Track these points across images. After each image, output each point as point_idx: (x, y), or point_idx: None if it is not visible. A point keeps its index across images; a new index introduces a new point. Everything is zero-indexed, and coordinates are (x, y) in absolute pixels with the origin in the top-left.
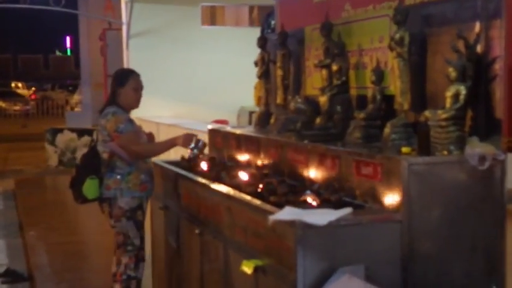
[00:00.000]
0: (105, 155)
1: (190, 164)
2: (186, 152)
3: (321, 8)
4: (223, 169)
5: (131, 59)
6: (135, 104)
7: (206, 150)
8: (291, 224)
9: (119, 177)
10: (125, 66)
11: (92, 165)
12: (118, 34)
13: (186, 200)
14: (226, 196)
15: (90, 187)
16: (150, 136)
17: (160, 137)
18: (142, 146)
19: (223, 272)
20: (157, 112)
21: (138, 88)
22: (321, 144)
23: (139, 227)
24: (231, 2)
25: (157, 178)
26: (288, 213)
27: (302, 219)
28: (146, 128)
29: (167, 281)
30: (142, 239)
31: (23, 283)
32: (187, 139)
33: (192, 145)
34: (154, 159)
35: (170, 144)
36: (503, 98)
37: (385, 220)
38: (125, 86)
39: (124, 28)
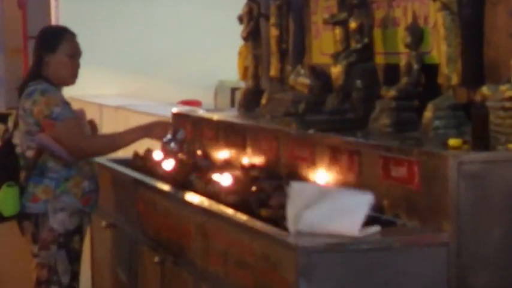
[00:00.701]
0: (29, 153)
1: (146, 163)
2: (142, 146)
3: None
4: (194, 170)
5: (62, 14)
6: (71, 77)
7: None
8: (289, 247)
9: (51, 184)
10: (54, 22)
11: (7, 167)
12: None
13: (142, 216)
14: (199, 209)
15: (7, 198)
16: (92, 124)
17: (105, 124)
18: (92, 139)
19: None
20: (99, 90)
21: (75, 54)
22: (334, 134)
23: (74, 258)
24: None
25: (102, 184)
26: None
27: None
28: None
29: None
30: (74, 275)
31: None
32: (161, 128)
33: (169, 136)
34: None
35: (136, 136)
36: None
37: (425, 243)
38: (55, 51)
39: None
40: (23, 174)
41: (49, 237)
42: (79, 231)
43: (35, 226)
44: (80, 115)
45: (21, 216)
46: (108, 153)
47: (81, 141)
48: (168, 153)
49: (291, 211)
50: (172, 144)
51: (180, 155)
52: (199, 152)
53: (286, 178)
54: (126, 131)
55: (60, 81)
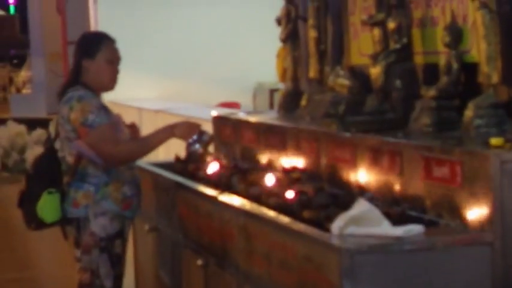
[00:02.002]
0: (69, 159)
1: (187, 166)
2: (182, 148)
3: None
4: (235, 173)
5: (101, 19)
6: (110, 83)
7: (211, 147)
8: (333, 248)
9: (91, 189)
10: (92, 28)
11: (49, 173)
12: None
13: (184, 219)
14: (241, 211)
15: (48, 205)
16: (133, 129)
17: (144, 128)
18: (122, 145)
19: None
20: (139, 94)
21: (114, 60)
22: (374, 135)
23: (116, 262)
24: None
25: (144, 188)
26: (350, 219)
27: (380, 232)
28: (125, 117)
29: None
30: (117, 279)
31: None
32: (188, 129)
33: (194, 137)
34: (140, 161)
35: (163, 136)
36: None
37: (469, 242)
38: (95, 57)
39: None
40: (65, 179)
41: (91, 241)
42: (120, 235)
43: (77, 231)
44: (116, 120)
45: (64, 221)
46: (139, 157)
47: (111, 147)
48: (191, 155)
49: (343, 217)
50: (197, 146)
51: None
52: (239, 155)
53: (327, 180)
54: (154, 132)
55: (99, 87)
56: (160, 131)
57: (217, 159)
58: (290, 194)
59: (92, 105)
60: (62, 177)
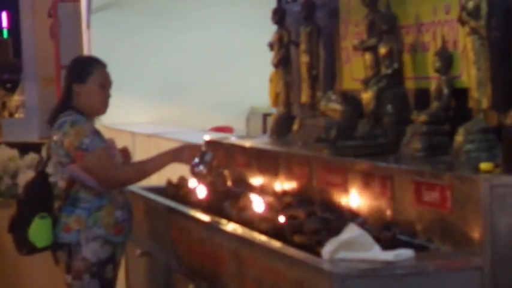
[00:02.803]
0: (61, 183)
1: (180, 190)
2: (175, 173)
3: None
4: (227, 197)
5: (94, 43)
6: (102, 107)
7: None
8: (324, 273)
9: (83, 214)
10: (86, 52)
11: (41, 197)
12: (75, 8)
13: (176, 243)
14: (232, 236)
15: (39, 230)
16: (125, 153)
17: (137, 152)
18: (122, 168)
19: None
20: (132, 118)
21: (106, 84)
22: (366, 159)
23: (107, 287)
24: None
25: (136, 212)
26: (341, 244)
27: (371, 257)
28: (119, 141)
29: None
30: None
31: None
32: (191, 152)
33: (197, 159)
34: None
35: (164, 160)
36: None
37: (459, 267)
38: (86, 81)
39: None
40: (56, 204)
41: (82, 266)
42: (112, 260)
43: (68, 256)
44: (109, 144)
45: (55, 246)
46: (138, 180)
47: (110, 171)
48: (197, 176)
49: (333, 242)
50: (201, 167)
51: (213, 182)
52: (232, 179)
53: (319, 204)
54: (155, 156)
55: (91, 112)
56: (161, 156)
57: (205, 179)
58: (282, 219)
59: (86, 130)
60: (54, 202)
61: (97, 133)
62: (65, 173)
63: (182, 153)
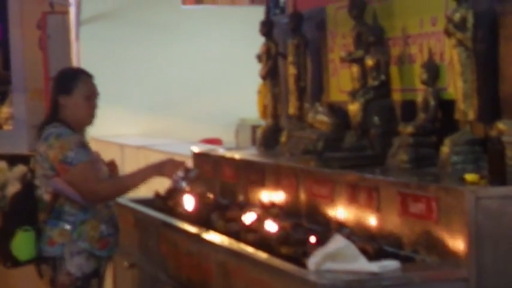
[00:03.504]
0: (46, 196)
1: (167, 202)
2: (162, 186)
3: None
4: (214, 209)
5: (83, 55)
6: (88, 118)
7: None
8: (310, 285)
9: (67, 227)
10: (75, 64)
11: (25, 210)
12: (64, 20)
13: (164, 255)
14: (219, 248)
15: (22, 244)
16: (111, 166)
17: (126, 164)
18: (104, 182)
19: None
20: (120, 130)
21: (91, 96)
22: (352, 171)
23: None
24: None
25: (123, 224)
26: (327, 255)
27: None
28: (104, 154)
29: None
30: None
31: None
32: (173, 166)
33: (180, 175)
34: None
35: (147, 174)
36: None
37: (444, 278)
38: (71, 93)
39: (72, 11)
40: (41, 217)
41: (67, 281)
42: (96, 274)
43: (53, 270)
44: (95, 158)
45: (39, 260)
46: (120, 195)
47: (92, 185)
48: (177, 192)
49: (319, 253)
50: (183, 183)
51: (200, 194)
52: (219, 191)
53: (305, 215)
54: (138, 171)
55: (77, 124)
56: (144, 170)
57: (197, 195)
58: (268, 230)
59: (71, 143)
60: (38, 215)
61: (83, 146)
62: (50, 186)
63: (164, 167)
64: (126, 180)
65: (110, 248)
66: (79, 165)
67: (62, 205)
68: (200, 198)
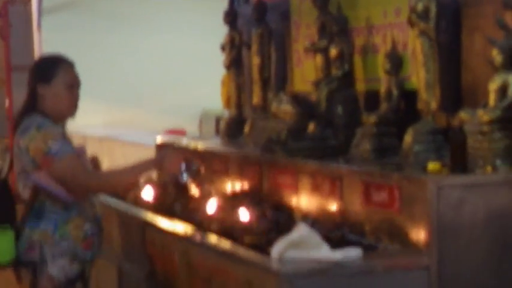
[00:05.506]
0: (25, 193)
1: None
2: None
3: None
4: (177, 199)
5: (45, 44)
6: (70, 109)
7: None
8: (272, 273)
9: (49, 227)
10: (37, 53)
11: (2, 209)
12: (25, 9)
13: (127, 245)
14: (182, 237)
15: (0, 244)
16: (94, 162)
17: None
18: (98, 175)
19: None
20: (83, 120)
21: (73, 84)
22: (316, 160)
23: None
24: None
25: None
26: (290, 243)
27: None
28: None
29: None
30: None
31: None
32: (173, 159)
33: (183, 168)
34: None
35: (144, 169)
36: None
37: (406, 266)
38: (51, 82)
39: (34, 0)
40: (20, 216)
41: (49, 286)
42: (81, 278)
43: (33, 274)
44: (80, 152)
45: (18, 264)
46: (113, 189)
47: (85, 178)
48: (180, 186)
49: (282, 241)
50: (185, 177)
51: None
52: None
53: (269, 204)
54: (135, 165)
55: (58, 115)
56: (142, 164)
57: (158, 185)
58: (232, 220)
59: (54, 133)
60: (15, 215)
61: (66, 138)
62: (30, 181)
63: (164, 161)
64: (122, 174)
65: (94, 249)
66: (67, 157)
67: (42, 203)
68: (163, 189)
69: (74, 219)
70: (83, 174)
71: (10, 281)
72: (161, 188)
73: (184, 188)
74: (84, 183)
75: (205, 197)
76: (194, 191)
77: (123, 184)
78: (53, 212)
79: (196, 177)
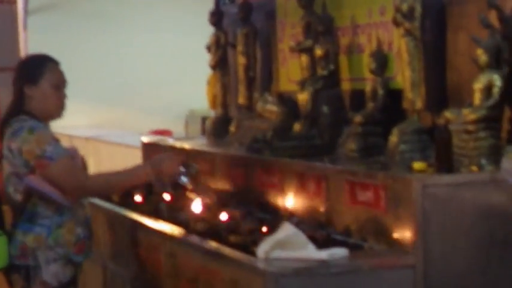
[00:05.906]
0: (17, 196)
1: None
2: None
3: None
4: (163, 199)
5: (31, 45)
6: (57, 110)
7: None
8: (258, 272)
9: (43, 232)
10: (23, 54)
11: None
12: (11, 9)
13: (114, 245)
14: (168, 237)
15: None
16: (82, 162)
17: None
18: (95, 177)
19: None
20: (69, 121)
21: (60, 84)
22: (301, 160)
23: None
24: None
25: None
26: (276, 243)
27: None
28: None
29: None
30: None
31: None
32: (171, 162)
33: (182, 170)
34: None
35: (143, 171)
36: None
37: (392, 265)
38: (38, 83)
39: (20, 0)
40: (11, 220)
41: None
42: (73, 283)
43: (25, 280)
44: (72, 153)
45: (9, 269)
46: (111, 192)
47: (81, 180)
48: (178, 188)
49: (268, 241)
50: (184, 179)
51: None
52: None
53: (255, 204)
54: (133, 167)
55: (46, 116)
56: (140, 167)
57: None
58: (218, 219)
59: (48, 136)
60: (4, 217)
61: (57, 140)
62: (22, 185)
63: (162, 164)
64: (120, 176)
65: (86, 252)
66: (62, 160)
67: (35, 207)
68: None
69: (67, 223)
70: (79, 176)
71: (1, 286)
72: (148, 188)
73: (183, 190)
74: (81, 186)
75: (191, 197)
76: (193, 193)
77: (121, 186)
78: (46, 215)
79: (195, 179)
